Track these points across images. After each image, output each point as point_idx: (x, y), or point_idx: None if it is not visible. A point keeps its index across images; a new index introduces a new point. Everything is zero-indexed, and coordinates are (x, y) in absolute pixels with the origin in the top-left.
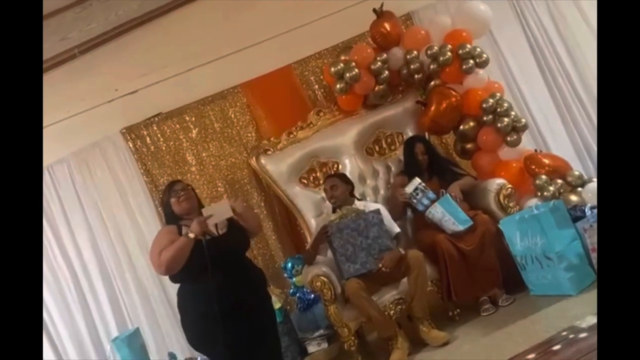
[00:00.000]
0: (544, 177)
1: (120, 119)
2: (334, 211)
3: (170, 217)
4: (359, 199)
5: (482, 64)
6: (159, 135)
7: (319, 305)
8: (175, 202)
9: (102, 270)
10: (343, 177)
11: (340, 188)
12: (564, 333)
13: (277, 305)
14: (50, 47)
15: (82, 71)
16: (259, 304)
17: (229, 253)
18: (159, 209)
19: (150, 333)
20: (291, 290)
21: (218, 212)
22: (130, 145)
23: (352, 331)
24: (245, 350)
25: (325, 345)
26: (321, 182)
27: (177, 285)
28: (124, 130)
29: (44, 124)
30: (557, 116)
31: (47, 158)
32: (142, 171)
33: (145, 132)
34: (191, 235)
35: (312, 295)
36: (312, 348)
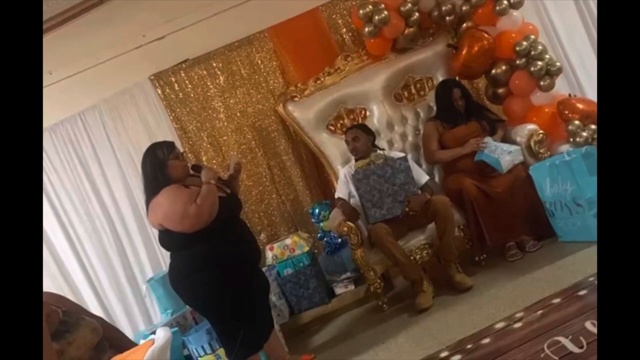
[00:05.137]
0: (577, 122)
1: (149, 65)
2: (356, 162)
3: (159, 181)
4: (380, 149)
5: (517, 5)
6: (186, 82)
7: (345, 248)
8: (176, 164)
9: (136, 213)
10: (364, 128)
11: (362, 139)
12: (591, 279)
13: (305, 248)
14: None
15: (109, 18)
16: (259, 263)
17: (238, 212)
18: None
19: None
20: (319, 235)
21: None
22: (159, 92)
23: (378, 274)
24: (257, 305)
25: (352, 287)
26: None
27: None
28: (153, 77)
29: (74, 71)
30: (594, 58)
31: (79, 105)
32: (171, 118)
33: (173, 79)
34: (212, 181)
35: (339, 240)
36: (339, 290)
